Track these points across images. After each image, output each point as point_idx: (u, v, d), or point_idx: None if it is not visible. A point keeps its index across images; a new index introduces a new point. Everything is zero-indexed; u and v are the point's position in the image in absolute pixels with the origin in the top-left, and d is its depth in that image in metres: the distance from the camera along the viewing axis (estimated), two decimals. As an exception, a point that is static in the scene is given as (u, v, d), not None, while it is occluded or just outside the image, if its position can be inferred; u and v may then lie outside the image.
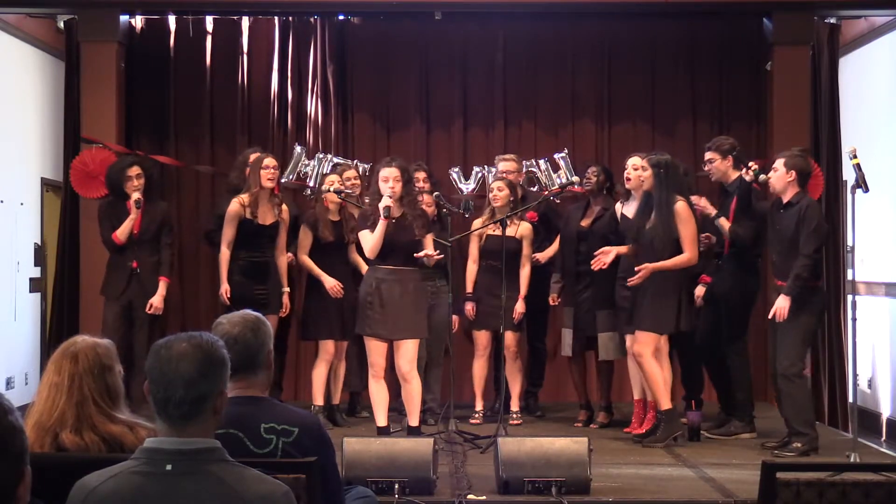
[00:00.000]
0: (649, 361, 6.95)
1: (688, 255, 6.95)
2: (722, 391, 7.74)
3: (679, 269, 6.98)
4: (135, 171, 7.78)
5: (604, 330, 7.70)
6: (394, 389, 7.28)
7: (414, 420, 6.86)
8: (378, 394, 6.87)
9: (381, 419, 6.87)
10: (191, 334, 2.62)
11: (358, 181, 8.22)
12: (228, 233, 7.47)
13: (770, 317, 6.74)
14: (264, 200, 7.50)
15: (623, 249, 7.18)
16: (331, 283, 7.59)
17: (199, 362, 2.55)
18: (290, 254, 7.77)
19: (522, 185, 8.52)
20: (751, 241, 7.30)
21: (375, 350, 6.80)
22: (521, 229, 7.89)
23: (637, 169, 7.27)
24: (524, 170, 9.01)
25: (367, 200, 7.15)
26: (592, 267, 7.19)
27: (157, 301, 7.81)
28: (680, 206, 6.96)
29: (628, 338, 7.35)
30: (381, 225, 6.64)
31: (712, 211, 7.29)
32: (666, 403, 7.00)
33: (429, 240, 6.84)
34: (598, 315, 7.71)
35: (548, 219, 8.33)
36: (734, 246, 7.34)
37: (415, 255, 6.69)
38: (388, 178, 6.69)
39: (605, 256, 7.10)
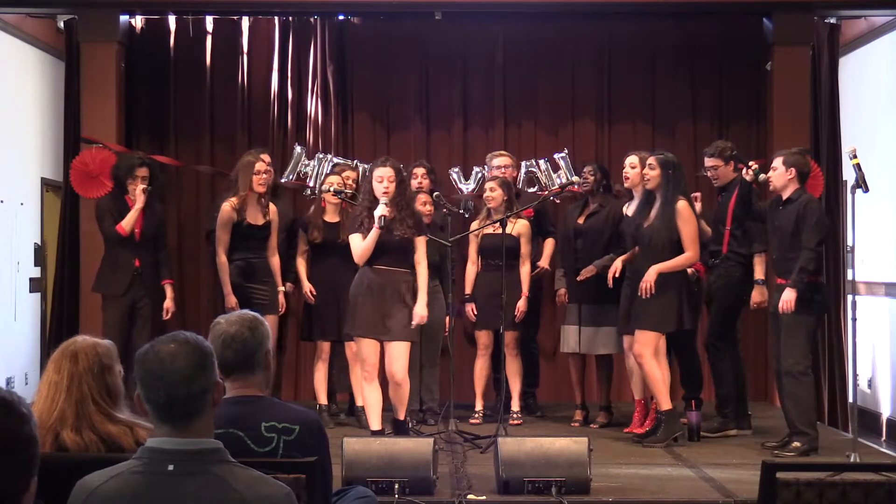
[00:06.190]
0: (649, 361, 6.94)
1: (689, 255, 6.95)
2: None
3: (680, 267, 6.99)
4: (143, 171, 7.81)
5: (584, 324, 7.76)
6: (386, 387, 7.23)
7: (401, 414, 6.62)
8: (371, 397, 6.61)
9: (375, 423, 6.60)
10: (172, 335, 2.61)
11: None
12: (224, 238, 7.45)
13: (781, 310, 6.68)
14: (252, 202, 7.50)
15: (623, 258, 7.30)
16: (305, 288, 7.74)
17: (192, 357, 2.56)
18: (289, 283, 7.88)
19: (517, 184, 8.51)
20: (762, 238, 7.30)
21: (367, 349, 6.51)
22: (517, 227, 7.85)
23: (634, 167, 7.30)
24: (524, 169, 9.03)
25: (360, 200, 6.99)
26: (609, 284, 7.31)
27: (170, 305, 7.91)
28: (681, 205, 6.96)
29: (626, 338, 7.36)
30: (374, 233, 6.41)
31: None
32: (666, 404, 7.00)
33: (420, 242, 6.61)
34: (582, 308, 7.76)
35: (539, 217, 8.30)
36: (734, 241, 7.35)
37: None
38: (383, 178, 6.47)
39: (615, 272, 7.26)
